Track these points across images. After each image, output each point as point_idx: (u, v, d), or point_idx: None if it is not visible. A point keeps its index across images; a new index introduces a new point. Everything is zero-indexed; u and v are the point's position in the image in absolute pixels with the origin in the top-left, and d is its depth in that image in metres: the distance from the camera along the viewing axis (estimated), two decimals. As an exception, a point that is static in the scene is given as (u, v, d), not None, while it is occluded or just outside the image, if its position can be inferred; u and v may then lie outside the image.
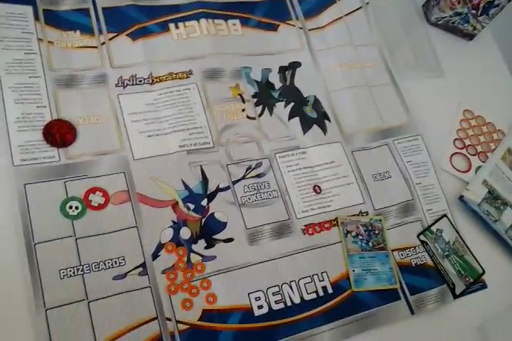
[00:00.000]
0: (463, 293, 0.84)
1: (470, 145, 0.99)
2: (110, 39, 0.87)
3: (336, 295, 0.79)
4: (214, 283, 0.75)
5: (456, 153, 0.98)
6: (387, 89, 0.99)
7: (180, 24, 0.92)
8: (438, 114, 0.99)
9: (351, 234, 0.84)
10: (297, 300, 0.77)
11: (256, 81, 0.92)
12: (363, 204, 0.87)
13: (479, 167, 0.97)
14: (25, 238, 0.71)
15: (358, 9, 1.04)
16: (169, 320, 0.72)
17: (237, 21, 0.96)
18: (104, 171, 0.78)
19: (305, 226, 0.83)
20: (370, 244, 0.84)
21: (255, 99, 0.90)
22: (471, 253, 0.87)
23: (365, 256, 0.83)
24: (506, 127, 1.04)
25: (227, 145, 0.85)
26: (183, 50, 0.90)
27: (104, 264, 0.72)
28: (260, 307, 0.76)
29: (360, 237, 0.84)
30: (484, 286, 0.87)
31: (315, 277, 0.80)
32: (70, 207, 0.74)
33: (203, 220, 0.79)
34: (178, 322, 0.72)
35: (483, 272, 0.86)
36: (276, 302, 0.76)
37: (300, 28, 0.99)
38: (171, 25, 0.91)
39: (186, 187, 0.80)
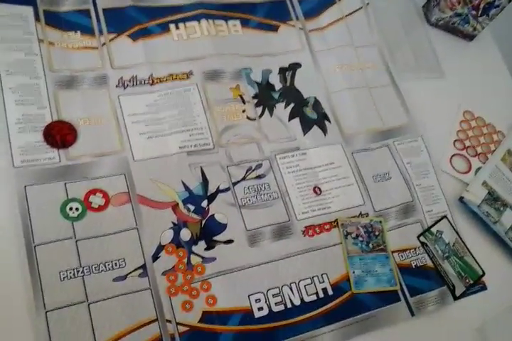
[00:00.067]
0: (463, 295, 0.84)
1: (470, 146, 0.99)
2: (111, 40, 0.87)
3: (336, 297, 0.79)
4: (214, 284, 0.75)
5: (456, 154, 0.98)
6: (388, 90, 0.99)
7: (181, 25, 0.92)
8: (438, 115, 0.99)
9: (351, 235, 0.84)
10: (297, 302, 0.77)
11: (256, 82, 0.92)
12: (363, 206, 0.87)
13: (479, 168, 0.97)
14: (25, 239, 0.71)
15: (358, 10, 1.04)
16: (169, 321, 0.72)
17: (237, 22, 0.96)
18: (104, 172, 0.78)
19: (305, 227, 0.83)
20: (370, 245, 0.84)
21: (255, 100, 0.90)
22: (471, 254, 0.87)
23: (365, 257, 0.83)
24: (506, 128, 1.04)
25: (227, 147, 0.85)
26: (184, 51, 0.90)
27: (105, 266, 0.72)
28: (260, 309, 0.76)
29: (361, 239, 0.84)
30: (484, 288, 0.87)
31: (315, 279, 0.80)
32: (70, 209, 0.74)
33: (203, 222, 0.79)
34: (178, 324, 0.72)
35: (483, 273, 0.86)
36: (276, 304, 0.76)
37: (300, 28, 0.99)
38: (172, 26, 0.91)
39: (186, 188, 0.80)
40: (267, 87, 0.92)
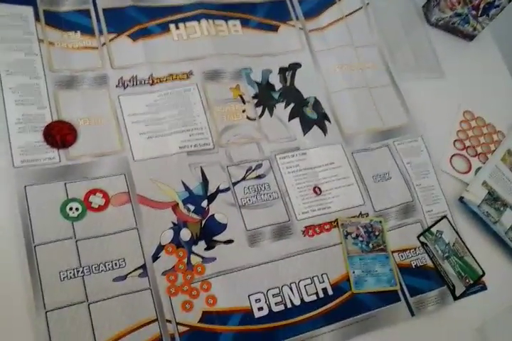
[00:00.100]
0: (463, 295, 0.84)
1: (470, 146, 0.99)
2: (111, 40, 0.87)
3: (336, 297, 0.79)
4: (214, 284, 0.75)
5: (456, 154, 0.98)
6: (388, 90, 0.99)
7: (181, 25, 0.92)
8: (438, 115, 0.99)
9: (351, 235, 0.84)
10: (297, 302, 0.77)
11: (256, 82, 0.92)
12: (363, 206, 0.87)
13: (479, 168, 0.97)
14: (25, 239, 0.71)
15: (358, 10, 1.04)
16: (169, 321, 0.72)
17: (237, 22, 0.96)
18: (104, 172, 0.78)
19: (305, 227, 0.83)
20: (370, 245, 0.84)
21: (255, 100, 0.90)
22: (471, 254, 0.87)
23: (365, 257, 0.83)
24: (506, 128, 1.04)
25: (227, 147, 0.85)
26: (184, 51, 0.90)
27: (105, 266, 0.72)
28: (260, 309, 0.76)
29: (360, 239, 0.84)
30: (484, 288, 0.87)
31: (315, 279, 0.80)
32: (70, 209, 0.74)
33: (203, 222, 0.79)
34: (178, 324, 0.72)
35: (483, 273, 0.86)
36: (276, 304, 0.76)
37: (300, 28, 0.99)
38: (172, 26, 0.91)
39: (186, 188, 0.80)
40: (267, 87, 0.92)
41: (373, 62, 1.01)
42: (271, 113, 0.90)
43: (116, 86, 0.85)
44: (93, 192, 0.76)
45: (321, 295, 0.79)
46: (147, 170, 0.80)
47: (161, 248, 0.76)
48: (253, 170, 0.84)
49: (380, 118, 0.95)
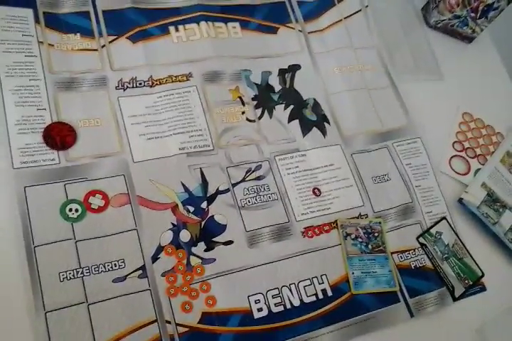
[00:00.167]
0: (462, 296, 0.84)
1: (469, 147, 0.99)
2: (110, 42, 0.88)
3: (336, 298, 0.79)
4: (213, 285, 0.75)
5: (456, 155, 0.98)
6: (387, 92, 0.99)
7: (181, 27, 0.92)
8: (437, 116, 0.99)
9: (351, 236, 0.84)
10: (297, 303, 0.77)
11: (256, 83, 0.92)
12: (363, 207, 0.87)
13: (478, 169, 0.97)
14: (25, 240, 0.71)
15: (357, 12, 1.04)
16: (169, 322, 0.72)
17: (237, 24, 0.96)
18: (104, 174, 0.78)
19: (304, 228, 0.83)
20: (370, 246, 0.84)
21: (255, 102, 0.90)
22: (470, 255, 0.87)
23: (364, 258, 0.83)
24: (505, 130, 1.04)
25: (226, 148, 0.85)
26: (183, 53, 0.90)
27: (104, 267, 0.72)
28: (260, 309, 0.76)
29: (360, 240, 0.84)
30: (483, 289, 0.87)
31: (314, 280, 0.80)
32: (70, 210, 0.74)
33: (203, 223, 0.79)
34: (177, 324, 0.72)
35: (483, 275, 0.86)
36: (275, 304, 0.77)
37: (300, 30, 0.99)
38: (171, 28, 0.92)
39: (186, 189, 0.80)
40: (267, 89, 0.92)
41: (372, 64, 1.01)
42: (270, 114, 0.90)
43: (116, 87, 0.85)
44: (93, 193, 0.76)
45: (321, 296, 0.79)
46: (147, 171, 0.80)
47: (160, 249, 0.76)
48: (253, 172, 0.84)
49: (379, 119, 0.95)
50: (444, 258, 0.86)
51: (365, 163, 0.90)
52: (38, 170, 0.75)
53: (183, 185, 0.80)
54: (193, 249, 0.77)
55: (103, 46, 0.87)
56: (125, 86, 0.85)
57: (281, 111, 0.91)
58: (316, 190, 0.86)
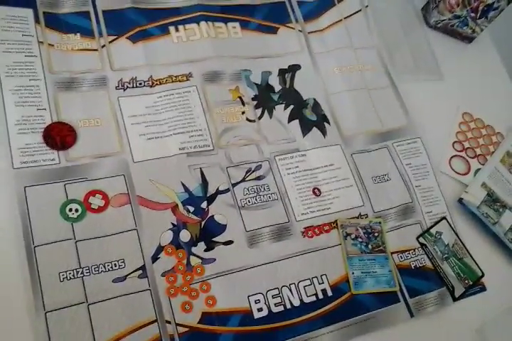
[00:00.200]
0: (462, 296, 0.84)
1: (469, 147, 1.00)
2: (110, 42, 0.88)
3: (336, 298, 0.79)
4: (213, 285, 0.75)
5: (456, 155, 0.98)
6: (387, 92, 0.99)
7: (181, 27, 0.92)
8: (437, 116, 0.99)
9: (351, 236, 0.84)
10: (297, 303, 0.77)
11: (256, 83, 0.92)
12: (363, 207, 0.87)
13: (478, 169, 0.97)
14: (25, 240, 0.71)
15: (357, 12, 1.04)
16: (169, 322, 0.72)
17: (236, 24, 0.96)
18: (104, 174, 0.78)
19: (304, 228, 0.83)
20: (370, 246, 0.84)
21: (255, 102, 0.90)
22: (470, 255, 0.87)
23: (364, 258, 0.83)
24: (505, 130, 1.04)
25: (226, 148, 0.85)
26: (183, 53, 0.90)
27: (104, 267, 0.72)
28: (260, 309, 0.76)
29: (360, 240, 0.84)
30: (483, 289, 0.87)
31: (314, 280, 0.80)
32: (70, 210, 0.74)
33: (203, 223, 0.79)
34: (177, 324, 0.72)
35: (483, 274, 0.86)
36: (275, 304, 0.77)
37: (300, 30, 0.99)
38: (171, 28, 0.92)
39: (186, 189, 0.80)
40: (267, 89, 0.92)
41: (372, 64, 1.01)
42: (270, 114, 0.90)
43: (116, 87, 0.85)
44: (93, 193, 0.76)
45: (321, 296, 0.79)
46: (147, 171, 0.80)
47: (160, 249, 0.76)
48: (253, 172, 0.85)
49: (379, 119, 0.95)
50: (444, 258, 0.86)
51: (365, 163, 0.90)
52: (38, 170, 0.75)
53: (183, 185, 0.80)
54: (193, 249, 0.77)
55: (103, 46, 0.87)
56: (125, 86, 0.85)
57: (281, 111, 0.91)
58: (316, 190, 0.86)
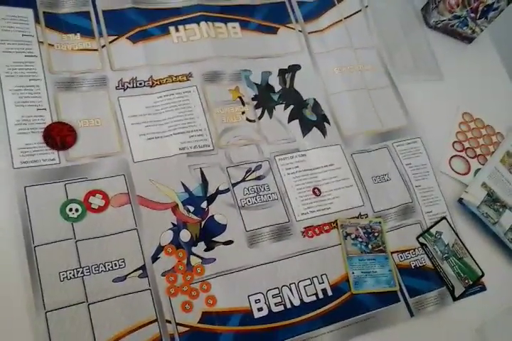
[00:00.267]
0: (462, 296, 0.84)
1: (469, 147, 1.00)
2: (110, 42, 0.88)
3: (336, 298, 0.79)
4: (214, 285, 0.75)
5: (456, 155, 0.98)
6: (387, 92, 0.99)
7: (181, 27, 0.92)
8: (437, 116, 0.99)
9: (351, 236, 0.84)
10: (297, 303, 0.77)
11: (256, 84, 0.92)
12: (363, 207, 0.87)
13: (478, 169, 0.97)
14: (25, 240, 0.71)
15: (357, 12, 1.04)
16: (169, 322, 0.72)
17: (236, 24, 0.96)
18: (104, 174, 0.78)
19: (304, 228, 0.83)
20: (370, 246, 0.84)
21: (255, 102, 0.90)
22: (471, 255, 0.87)
23: (364, 258, 0.83)
24: (505, 130, 1.04)
25: (226, 148, 0.85)
26: (183, 53, 0.90)
27: (104, 266, 0.72)
28: (260, 309, 0.76)
29: (360, 239, 0.84)
30: (483, 288, 0.87)
31: (315, 279, 0.80)
32: (70, 210, 0.74)
33: (203, 222, 0.79)
34: (177, 324, 0.72)
35: (483, 274, 0.86)
36: (276, 304, 0.77)
37: (300, 31, 1.00)
38: (171, 28, 0.92)
39: (186, 189, 0.80)
40: (267, 89, 0.93)
41: (372, 64, 1.01)
42: (270, 114, 0.90)
43: (116, 87, 0.85)
44: (93, 193, 0.76)
45: (321, 295, 0.79)
46: (147, 171, 0.80)
47: (160, 249, 0.76)
48: (253, 172, 0.85)
49: (379, 119, 0.95)
50: (444, 258, 0.86)
51: (365, 163, 0.91)
52: (38, 170, 0.75)
53: (183, 184, 0.80)
54: (193, 249, 0.77)
55: (103, 46, 0.87)
56: (125, 86, 0.85)
57: (281, 111, 0.91)
58: (316, 190, 0.86)
